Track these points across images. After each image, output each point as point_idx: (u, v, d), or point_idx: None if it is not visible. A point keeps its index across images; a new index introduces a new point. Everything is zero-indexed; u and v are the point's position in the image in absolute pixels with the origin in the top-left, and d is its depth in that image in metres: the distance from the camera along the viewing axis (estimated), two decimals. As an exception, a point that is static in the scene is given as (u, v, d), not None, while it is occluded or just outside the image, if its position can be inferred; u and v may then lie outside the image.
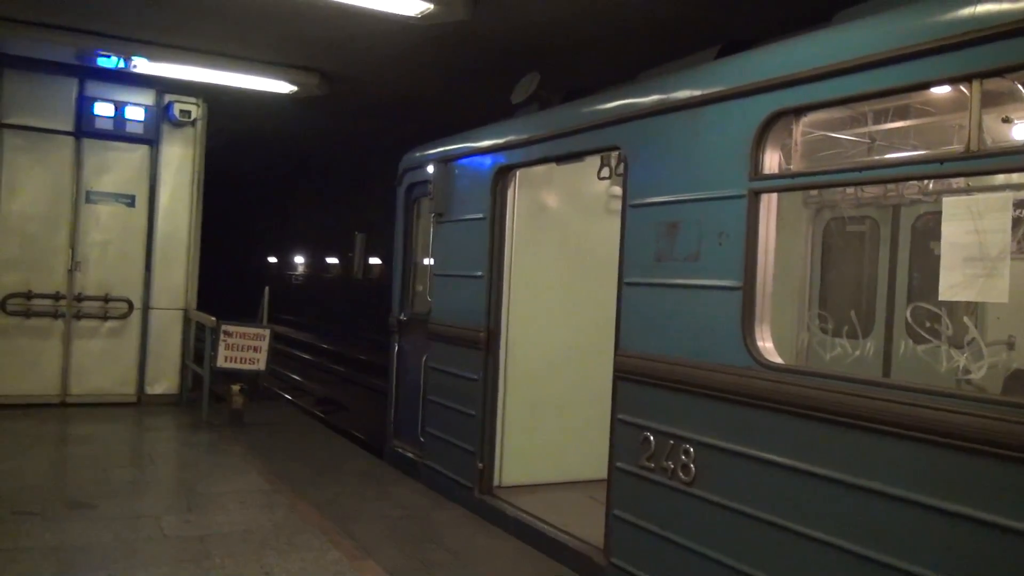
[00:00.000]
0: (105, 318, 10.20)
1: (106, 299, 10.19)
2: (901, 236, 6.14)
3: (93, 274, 10.14)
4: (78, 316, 10.07)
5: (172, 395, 10.58)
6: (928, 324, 5.33)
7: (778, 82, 4.09)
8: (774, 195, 4.27)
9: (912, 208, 6.03)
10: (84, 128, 10.00)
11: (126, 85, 10.15)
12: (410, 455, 8.04)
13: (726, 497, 4.27)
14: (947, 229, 3.45)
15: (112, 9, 8.02)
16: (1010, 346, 5.17)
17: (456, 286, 7.25)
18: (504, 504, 6.46)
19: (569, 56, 8.53)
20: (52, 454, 8.17)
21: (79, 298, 10.06)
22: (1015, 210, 3.50)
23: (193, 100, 10.48)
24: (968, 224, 3.37)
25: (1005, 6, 3.16)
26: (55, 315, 9.95)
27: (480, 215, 6.86)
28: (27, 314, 9.81)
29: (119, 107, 10.12)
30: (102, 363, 10.22)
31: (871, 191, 5.94)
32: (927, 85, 3.63)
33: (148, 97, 10.35)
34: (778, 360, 4.16)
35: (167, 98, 10.38)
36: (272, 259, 35.98)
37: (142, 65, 9.39)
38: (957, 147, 3.56)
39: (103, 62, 9.37)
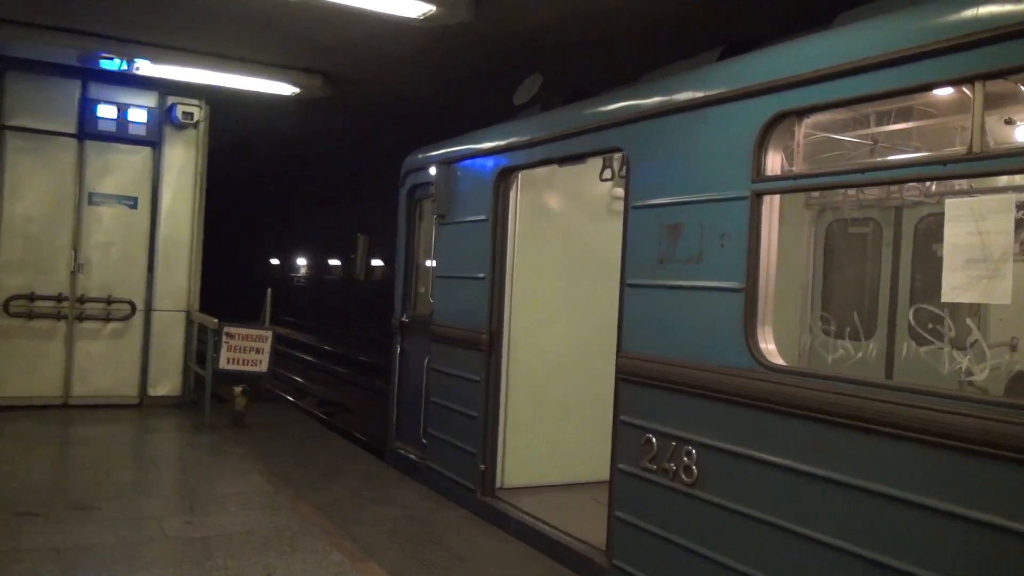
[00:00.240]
0: (108, 320, 10.21)
1: (108, 301, 10.20)
2: (904, 238, 6.14)
3: (96, 276, 10.15)
4: (81, 318, 10.08)
5: (174, 397, 10.59)
6: (931, 326, 5.32)
7: (781, 84, 4.09)
8: (776, 197, 4.27)
9: (915, 210, 6.03)
10: (87, 130, 10.01)
11: (129, 87, 10.17)
12: (412, 457, 8.04)
13: (728, 499, 4.26)
14: (950, 231, 3.45)
15: (115, 11, 8.04)
16: (1013, 348, 5.16)
17: (458, 288, 7.25)
18: (506, 506, 6.46)
19: (571, 58, 8.53)
20: (54, 455, 8.18)
21: (82, 300, 10.07)
22: (1018, 211, 3.49)
23: (195, 102, 10.49)
24: (971, 226, 3.37)
25: (1007, 8, 3.16)
26: (58, 317, 9.96)
27: (482, 217, 6.87)
28: (30, 316, 9.82)
29: (122, 109, 10.14)
30: (104, 365, 10.23)
31: (873, 193, 5.94)
32: (929, 87, 3.63)
33: (150, 99, 10.36)
34: (780, 362, 4.15)
35: (169, 100, 10.39)
36: (274, 261, 36.00)
37: (144, 67, 9.42)
38: (960, 149, 3.56)
39: (106, 64, 9.39)
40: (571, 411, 7.03)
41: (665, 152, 4.89)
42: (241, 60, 9.50)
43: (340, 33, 8.21)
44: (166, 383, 10.56)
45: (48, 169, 9.91)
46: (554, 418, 6.98)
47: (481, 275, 6.82)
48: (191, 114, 10.39)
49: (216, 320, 9.65)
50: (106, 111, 10.06)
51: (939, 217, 4.43)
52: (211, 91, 10.35)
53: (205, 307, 10.78)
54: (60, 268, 9.99)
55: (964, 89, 3.47)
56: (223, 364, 9.49)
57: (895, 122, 5.19)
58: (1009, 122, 4.58)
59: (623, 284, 5.18)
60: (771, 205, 4.24)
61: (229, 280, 28.70)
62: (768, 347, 4.18)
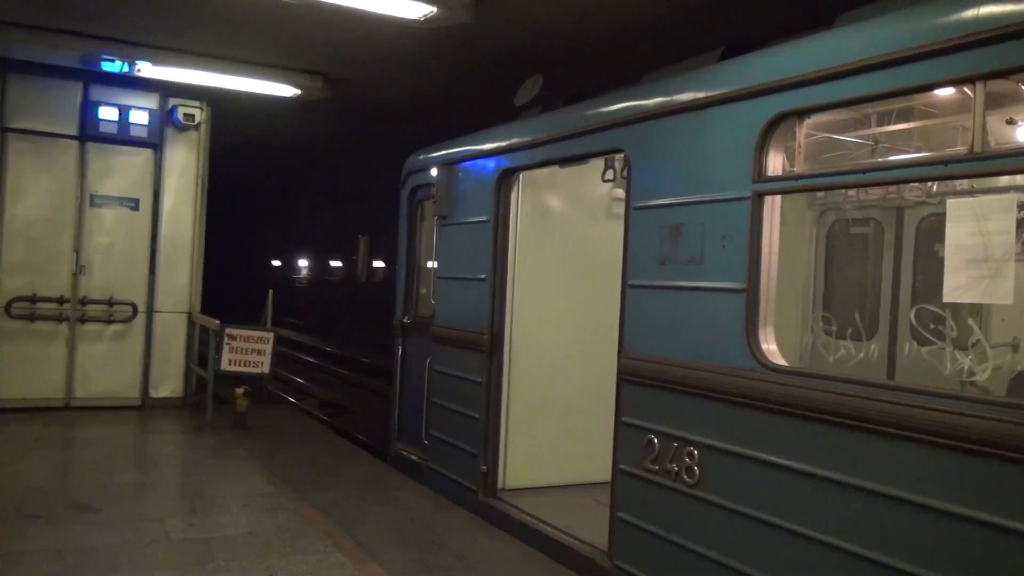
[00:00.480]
0: (109, 322, 10.22)
1: (110, 303, 10.20)
2: (905, 238, 6.13)
3: (97, 278, 10.15)
4: (82, 320, 10.08)
5: (176, 398, 10.59)
6: (932, 326, 5.32)
7: (782, 84, 4.09)
8: (778, 197, 4.27)
9: (916, 210, 6.02)
10: (88, 132, 10.02)
11: (130, 89, 10.18)
12: (414, 458, 8.04)
13: (730, 499, 4.26)
14: (951, 231, 3.45)
15: (116, 13, 8.05)
16: (1015, 348, 5.16)
17: (460, 289, 7.25)
18: (508, 507, 6.46)
19: (572, 59, 8.53)
20: (57, 457, 8.18)
21: (83, 302, 10.07)
22: (1019, 211, 3.49)
23: (197, 104, 10.50)
24: (972, 226, 3.37)
25: (1009, 8, 3.16)
26: (59, 319, 9.97)
27: (484, 218, 6.87)
28: (32, 318, 9.83)
29: (123, 111, 10.14)
30: (106, 366, 10.23)
31: (875, 193, 5.94)
32: (931, 87, 3.63)
33: (152, 101, 10.37)
34: (782, 362, 4.15)
35: (171, 102, 10.39)
36: (276, 262, 36.00)
37: (146, 69, 9.43)
38: (961, 149, 3.56)
39: (107, 66, 9.40)
40: (573, 412, 7.02)
41: (666, 153, 4.89)
42: (242, 62, 9.51)
43: (341, 35, 8.22)
44: (168, 385, 10.56)
45: (50, 171, 9.92)
46: (556, 419, 6.98)
47: (482, 276, 6.82)
48: (192, 116, 10.39)
49: (218, 321, 9.66)
50: (107, 113, 10.06)
51: (941, 217, 4.43)
52: (212, 93, 10.36)
53: (207, 309, 10.79)
54: (62, 270, 10.00)
55: (965, 89, 3.47)
56: (225, 366, 9.49)
57: (896, 122, 5.19)
58: (1010, 122, 4.58)
59: (624, 285, 5.18)
60: (772, 206, 4.24)
61: (230, 282, 28.72)
62: (770, 347, 4.18)
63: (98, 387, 10.19)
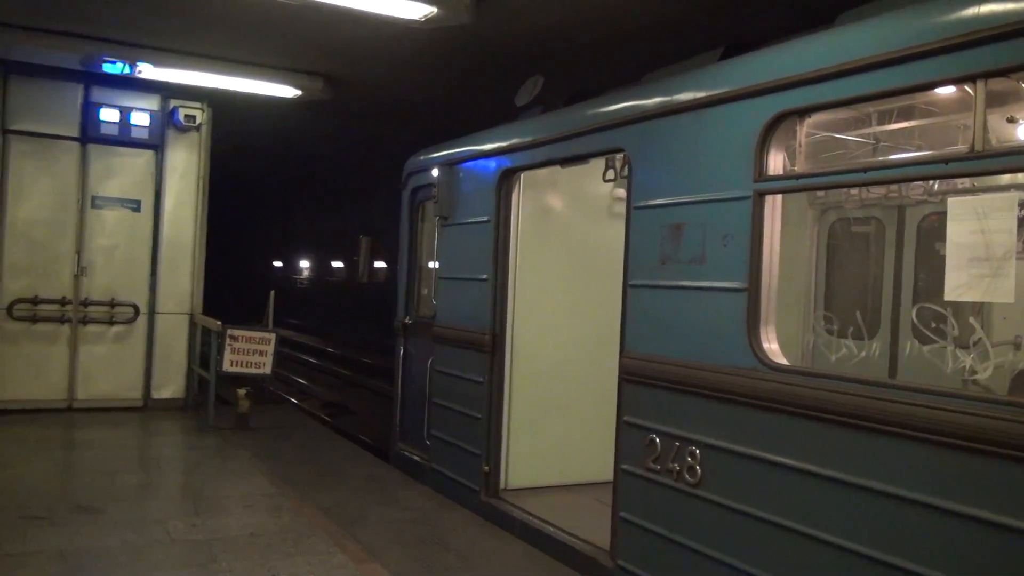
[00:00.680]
0: (111, 323, 10.23)
1: (112, 304, 10.21)
2: (906, 237, 6.13)
3: (99, 279, 10.17)
4: (84, 321, 10.09)
5: (178, 399, 10.60)
6: (934, 325, 5.32)
7: (782, 83, 4.09)
8: (779, 196, 4.27)
9: (917, 208, 6.02)
10: (89, 133, 10.03)
11: (131, 90, 10.19)
12: (416, 458, 8.04)
13: (732, 499, 4.26)
14: (952, 229, 3.45)
15: (117, 15, 8.05)
16: (1016, 346, 5.15)
17: (461, 289, 7.25)
18: (510, 507, 6.46)
19: (572, 59, 8.54)
20: (59, 459, 8.19)
21: (85, 303, 10.09)
22: (1020, 210, 3.49)
23: (198, 105, 10.51)
24: (974, 224, 3.37)
25: (1009, 6, 3.16)
26: (61, 320, 9.98)
27: (485, 218, 6.87)
28: (33, 319, 9.84)
29: (124, 112, 10.16)
30: (108, 368, 10.25)
31: (876, 192, 5.93)
32: (931, 85, 3.63)
33: (153, 102, 10.38)
34: (783, 361, 4.15)
35: (172, 103, 10.40)
36: (277, 263, 36.02)
37: (147, 70, 9.44)
38: (962, 147, 3.56)
39: (108, 68, 9.41)
40: (574, 412, 7.03)
41: (667, 152, 4.89)
42: (243, 63, 9.51)
43: (341, 35, 8.22)
44: (170, 386, 10.57)
45: (51, 173, 9.93)
46: (557, 419, 6.98)
47: (484, 276, 6.82)
48: (193, 117, 10.41)
49: (219, 322, 9.67)
50: (108, 114, 10.08)
51: (942, 216, 4.43)
52: (213, 94, 10.38)
53: (208, 310, 10.80)
54: (63, 272, 10.01)
55: (966, 88, 3.47)
56: (226, 366, 9.50)
57: (897, 121, 5.19)
58: (1011, 120, 4.57)
59: (626, 284, 5.18)
60: (773, 205, 4.24)
61: (232, 283, 28.73)
62: (771, 347, 4.18)
63: (100, 388, 10.20)
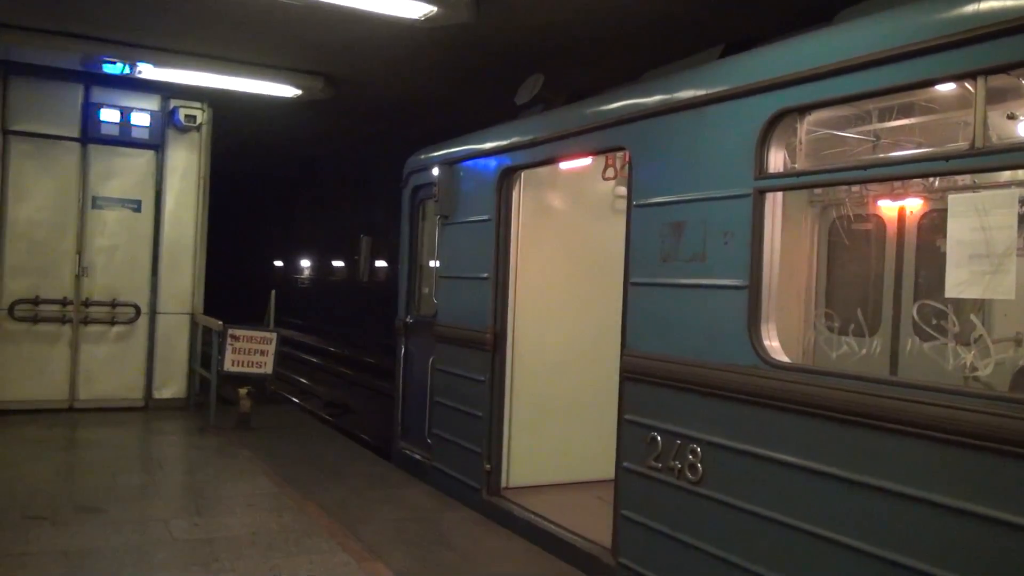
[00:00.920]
0: (112, 323, 10.23)
1: (113, 304, 10.22)
2: (907, 234, 6.13)
3: (100, 279, 10.17)
4: (85, 321, 10.10)
5: (179, 399, 10.60)
6: (935, 321, 5.32)
7: (782, 81, 4.09)
8: (779, 194, 4.27)
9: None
10: (90, 134, 10.04)
11: (131, 91, 10.20)
12: (417, 457, 8.04)
13: (733, 496, 4.26)
14: (953, 226, 3.45)
15: (117, 15, 8.05)
16: (1017, 343, 5.15)
17: (462, 288, 7.26)
18: (512, 505, 6.47)
19: (573, 57, 8.53)
20: (61, 459, 8.19)
21: (86, 303, 10.09)
22: (1021, 206, 3.49)
23: (198, 105, 10.51)
24: (974, 221, 3.37)
25: (1009, 2, 3.16)
26: (62, 320, 9.99)
27: (485, 217, 6.87)
28: (35, 320, 9.85)
29: (125, 113, 10.16)
30: (110, 368, 10.25)
31: (876, 188, 5.93)
32: (932, 82, 3.63)
33: (153, 102, 10.39)
34: (784, 359, 4.15)
35: (172, 103, 10.41)
36: (278, 263, 36.02)
37: (147, 70, 9.45)
38: (962, 144, 3.56)
39: (108, 68, 9.42)
40: (575, 410, 7.03)
41: (667, 150, 4.89)
42: (243, 62, 9.51)
43: (341, 35, 8.22)
44: (171, 386, 10.58)
45: (52, 173, 9.94)
46: (559, 417, 6.99)
47: (485, 275, 6.83)
48: (194, 117, 10.41)
49: (220, 322, 9.67)
50: (109, 115, 10.09)
51: (942, 213, 4.43)
52: (213, 94, 10.37)
53: (209, 309, 10.80)
54: (64, 272, 10.02)
55: (966, 84, 3.47)
56: (228, 366, 9.50)
57: (897, 118, 5.19)
58: (1011, 117, 4.56)
59: (627, 283, 5.19)
60: (774, 202, 4.24)
61: (233, 282, 28.73)
62: (772, 344, 4.19)
63: (101, 388, 10.21)
